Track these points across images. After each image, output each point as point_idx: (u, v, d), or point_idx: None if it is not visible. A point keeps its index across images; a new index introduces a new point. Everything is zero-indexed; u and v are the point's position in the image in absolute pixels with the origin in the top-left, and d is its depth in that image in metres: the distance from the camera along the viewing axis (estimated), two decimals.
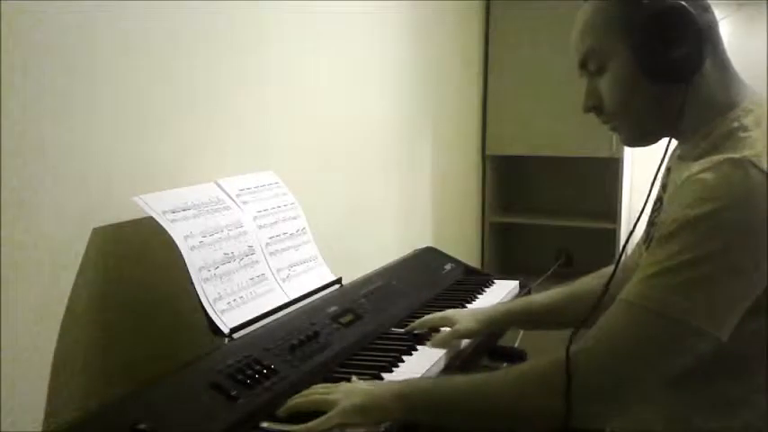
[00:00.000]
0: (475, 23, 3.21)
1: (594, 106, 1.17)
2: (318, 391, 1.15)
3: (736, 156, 1.00)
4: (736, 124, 1.07)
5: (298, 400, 1.13)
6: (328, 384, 1.18)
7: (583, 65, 1.17)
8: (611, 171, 3.14)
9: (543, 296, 1.56)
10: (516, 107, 3.24)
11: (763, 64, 2.89)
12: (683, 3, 1.05)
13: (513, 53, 3.21)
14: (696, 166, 1.04)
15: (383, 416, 1.10)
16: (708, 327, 0.99)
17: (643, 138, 1.19)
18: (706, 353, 1.01)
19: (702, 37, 1.06)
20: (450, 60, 2.95)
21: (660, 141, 1.19)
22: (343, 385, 1.16)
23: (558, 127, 3.11)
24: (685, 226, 1.00)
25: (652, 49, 1.07)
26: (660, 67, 1.07)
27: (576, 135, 3.10)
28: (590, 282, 1.48)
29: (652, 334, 1.01)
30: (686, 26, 1.05)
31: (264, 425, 1.09)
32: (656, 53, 1.07)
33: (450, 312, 1.55)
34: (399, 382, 1.19)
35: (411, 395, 1.12)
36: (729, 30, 2.99)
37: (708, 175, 1.00)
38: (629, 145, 1.21)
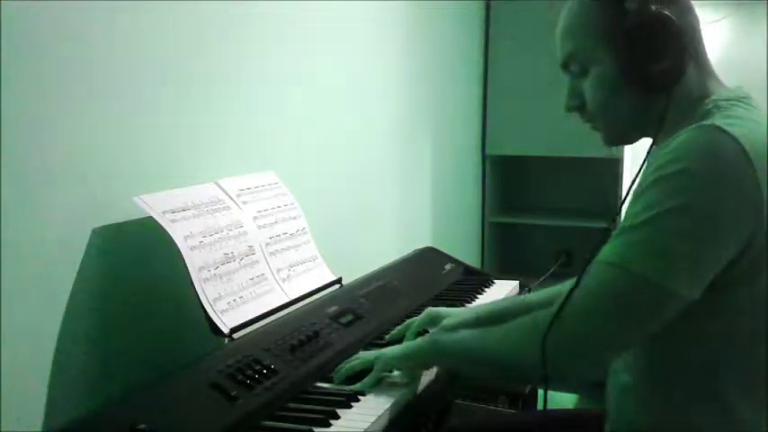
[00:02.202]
0: (475, 23, 3.21)
1: (576, 106, 1.18)
2: (362, 356, 1.30)
3: (706, 122, 1.01)
4: (710, 106, 1.07)
5: (348, 364, 1.28)
6: (369, 351, 1.33)
7: (565, 66, 1.17)
8: (611, 171, 3.14)
9: (535, 295, 1.56)
10: (516, 107, 3.24)
11: (763, 64, 2.89)
12: (666, 12, 1.05)
13: (513, 53, 3.21)
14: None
15: (419, 361, 1.27)
16: (669, 283, 0.99)
17: (623, 139, 1.20)
18: (676, 313, 1.01)
19: (685, 45, 1.06)
20: (450, 61, 2.95)
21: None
22: (385, 348, 1.31)
23: (558, 127, 3.09)
24: (651, 185, 1.01)
25: (634, 59, 1.06)
26: (642, 76, 1.07)
27: (576, 135, 3.07)
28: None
29: (618, 291, 1.01)
30: (669, 36, 1.05)
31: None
32: (638, 63, 1.06)
33: (442, 310, 1.55)
34: (433, 334, 1.32)
35: (440, 344, 1.24)
36: (729, 30, 3.00)
37: (676, 140, 1.01)
38: (610, 145, 1.22)
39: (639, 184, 1.05)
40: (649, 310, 1.02)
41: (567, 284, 1.49)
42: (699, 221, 0.99)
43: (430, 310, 1.50)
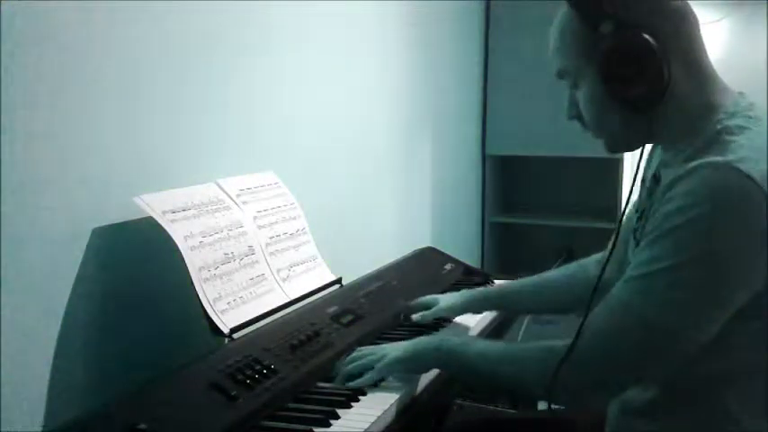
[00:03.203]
0: (475, 23, 3.21)
1: (576, 115, 1.17)
2: (365, 353, 1.29)
3: (719, 159, 0.99)
4: (719, 126, 1.05)
5: (351, 366, 1.27)
6: (372, 347, 1.32)
7: (560, 76, 1.17)
8: (611, 171, 3.14)
9: (519, 283, 1.64)
10: (516, 107, 3.24)
11: (763, 64, 2.89)
12: (643, 35, 1.02)
13: (513, 53, 3.21)
14: (681, 171, 1.02)
15: (422, 366, 1.28)
16: (686, 332, 1.00)
17: (623, 147, 1.19)
18: (691, 356, 1.02)
19: (664, 62, 1.03)
20: (450, 61, 2.95)
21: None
22: (388, 345, 1.31)
23: (558, 127, 3.08)
24: (671, 231, 0.99)
25: (612, 82, 1.05)
26: (624, 95, 1.06)
27: (576, 135, 3.08)
28: (568, 270, 1.56)
29: (634, 340, 1.02)
30: (644, 61, 1.03)
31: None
32: (616, 86, 1.05)
33: (436, 295, 1.66)
34: (438, 337, 1.39)
35: (446, 349, 1.24)
36: (729, 30, 2.99)
37: (689, 181, 0.99)
38: (613, 152, 1.21)
39: (656, 223, 1.02)
40: (663, 356, 1.03)
41: (550, 276, 1.58)
42: (718, 270, 0.98)
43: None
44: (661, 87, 1.04)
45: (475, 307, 1.65)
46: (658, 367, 1.05)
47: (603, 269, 1.15)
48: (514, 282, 1.67)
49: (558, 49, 1.14)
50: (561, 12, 1.12)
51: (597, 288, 1.12)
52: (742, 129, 1.03)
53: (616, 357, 1.05)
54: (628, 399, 1.16)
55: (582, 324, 1.06)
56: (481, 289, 1.73)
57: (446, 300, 1.62)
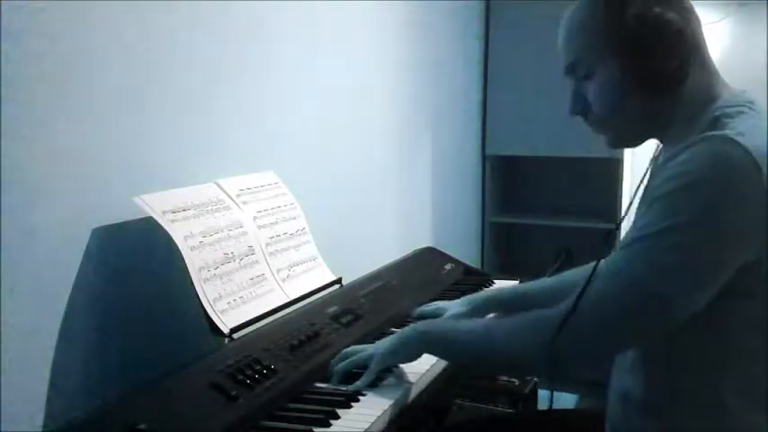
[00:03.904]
0: (475, 23, 3.21)
1: (581, 110, 1.18)
2: (353, 351, 1.31)
3: (717, 132, 1.01)
4: (718, 113, 1.07)
5: (341, 365, 1.28)
6: (357, 345, 1.34)
7: (570, 69, 1.17)
8: (611, 171, 3.14)
9: (527, 285, 1.62)
10: (516, 107, 3.24)
11: (763, 64, 2.89)
12: (668, 15, 1.06)
13: (513, 53, 3.21)
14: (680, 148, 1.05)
15: (410, 352, 1.27)
16: (676, 296, 1.01)
17: (630, 141, 1.21)
18: (681, 323, 1.03)
19: (688, 44, 1.07)
20: (450, 60, 2.95)
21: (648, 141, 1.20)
22: (372, 344, 1.32)
23: (558, 127, 3.10)
24: (662, 196, 1.01)
25: (639, 61, 1.07)
26: (648, 77, 1.08)
27: (575, 135, 3.07)
28: (576, 273, 1.50)
29: (624, 301, 1.04)
30: (672, 38, 1.06)
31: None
32: (644, 65, 1.07)
33: (440, 303, 1.64)
34: (423, 323, 1.38)
35: (430, 332, 1.27)
36: (729, 30, 2.99)
37: (687, 152, 1.02)
38: (615, 147, 1.22)
39: (649, 193, 1.06)
40: (654, 320, 1.04)
41: (568, 276, 1.52)
42: (708, 235, 0.99)
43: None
44: (687, 65, 1.07)
45: (482, 311, 1.61)
46: (649, 332, 1.06)
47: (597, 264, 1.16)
48: (523, 285, 1.65)
49: (575, 35, 1.15)
50: (577, 4, 1.15)
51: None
52: (740, 113, 1.06)
53: (607, 321, 1.05)
54: (628, 394, 1.16)
55: (582, 291, 1.07)
56: (488, 292, 1.69)
57: (454, 308, 1.59)
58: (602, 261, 1.14)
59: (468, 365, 1.44)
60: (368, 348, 1.30)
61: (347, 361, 1.28)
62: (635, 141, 1.20)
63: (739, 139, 0.99)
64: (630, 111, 1.13)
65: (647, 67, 1.07)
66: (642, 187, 1.20)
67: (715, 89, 1.11)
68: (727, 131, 1.01)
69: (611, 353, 1.14)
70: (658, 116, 1.12)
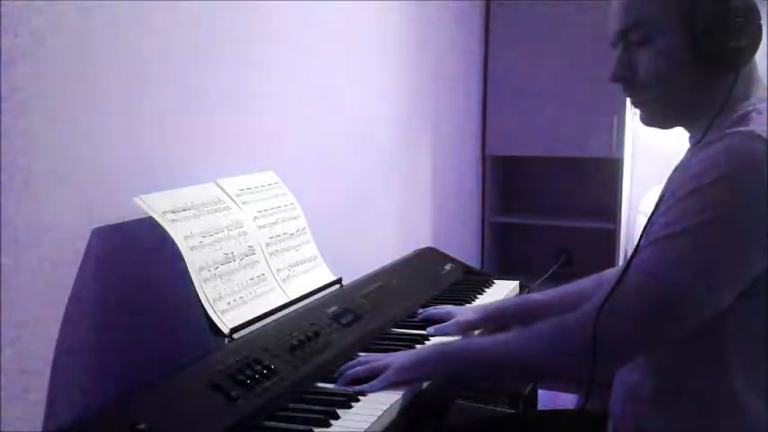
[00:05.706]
0: (475, 23, 3.21)
1: (625, 77, 1.14)
2: (367, 359, 1.29)
3: (742, 129, 1.00)
4: (750, 108, 1.06)
5: (354, 370, 1.25)
6: (375, 354, 1.33)
7: (623, 35, 1.13)
8: (611, 171, 3.14)
9: (540, 294, 1.58)
10: (516, 107, 3.24)
11: (763, 64, 2.89)
12: None
13: (513, 53, 3.21)
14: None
15: (427, 370, 1.25)
16: (702, 294, 1.01)
17: (663, 120, 1.17)
18: (708, 319, 1.02)
19: (757, 29, 1.05)
20: (450, 61, 2.95)
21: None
22: (390, 354, 1.30)
23: (558, 127, 3.11)
24: (689, 194, 1.01)
25: (711, 35, 1.05)
26: (716, 54, 1.06)
27: (576, 135, 3.10)
28: (587, 283, 1.49)
29: (651, 300, 1.03)
30: (750, 15, 1.04)
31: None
32: (715, 40, 1.05)
33: (450, 307, 1.61)
34: (441, 342, 1.37)
35: (449, 350, 1.26)
36: None
37: (709, 149, 1.01)
38: (648, 124, 1.18)
39: (676, 190, 1.04)
40: (679, 318, 1.03)
41: (579, 284, 1.49)
42: (734, 234, 0.99)
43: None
44: (756, 45, 1.06)
45: (494, 321, 1.60)
46: (674, 329, 1.05)
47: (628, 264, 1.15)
48: (538, 293, 1.61)
49: (635, 3, 1.11)
50: None
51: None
52: None
53: (640, 320, 1.05)
54: (635, 390, 1.15)
55: (613, 289, 1.06)
56: (498, 302, 1.67)
57: (463, 315, 1.56)
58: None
59: (495, 377, 1.41)
60: (384, 358, 1.28)
61: (362, 367, 1.26)
62: (668, 122, 1.17)
63: (764, 135, 0.99)
64: (679, 85, 1.10)
65: (712, 42, 1.05)
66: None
67: (754, 86, 1.11)
68: (752, 127, 1.00)
69: (644, 351, 1.12)
70: (705, 98, 1.09)
